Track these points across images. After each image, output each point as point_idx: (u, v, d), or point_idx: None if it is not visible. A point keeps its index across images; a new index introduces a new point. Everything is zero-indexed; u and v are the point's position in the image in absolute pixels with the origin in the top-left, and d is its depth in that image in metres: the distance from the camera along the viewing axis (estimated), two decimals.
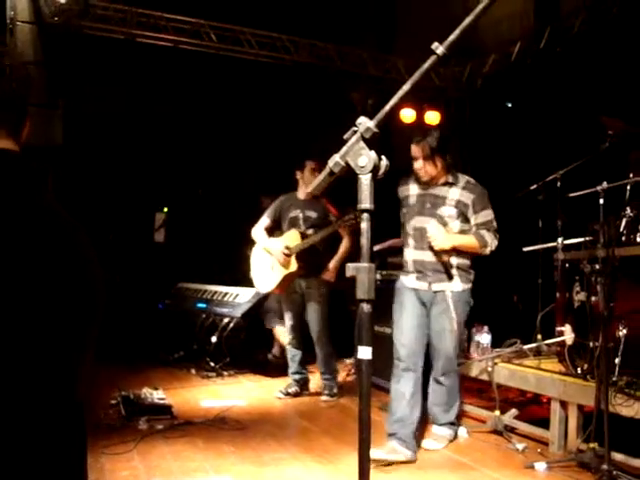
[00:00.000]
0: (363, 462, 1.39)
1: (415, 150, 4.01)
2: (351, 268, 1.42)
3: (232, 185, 8.03)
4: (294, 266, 5.45)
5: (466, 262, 4.10)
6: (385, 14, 7.79)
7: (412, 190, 4.18)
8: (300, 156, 5.67)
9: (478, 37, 6.84)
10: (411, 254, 4.15)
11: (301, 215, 5.57)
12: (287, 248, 5.45)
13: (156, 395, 5.03)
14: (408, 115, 8.04)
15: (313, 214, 5.55)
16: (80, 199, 6.98)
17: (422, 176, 4.05)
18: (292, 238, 5.51)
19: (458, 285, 4.06)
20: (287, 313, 5.70)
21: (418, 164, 4.02)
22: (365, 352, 1.40)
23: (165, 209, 8.20)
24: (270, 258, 5.58)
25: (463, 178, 4.12)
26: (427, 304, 4.11)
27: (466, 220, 4.04)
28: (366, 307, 1.40)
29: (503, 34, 6.99)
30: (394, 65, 7.91)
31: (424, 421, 4.30)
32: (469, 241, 4.01)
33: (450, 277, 4.03)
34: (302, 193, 5.62)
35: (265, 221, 5.70)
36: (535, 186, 5.35)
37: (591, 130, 4.80)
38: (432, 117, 8.06)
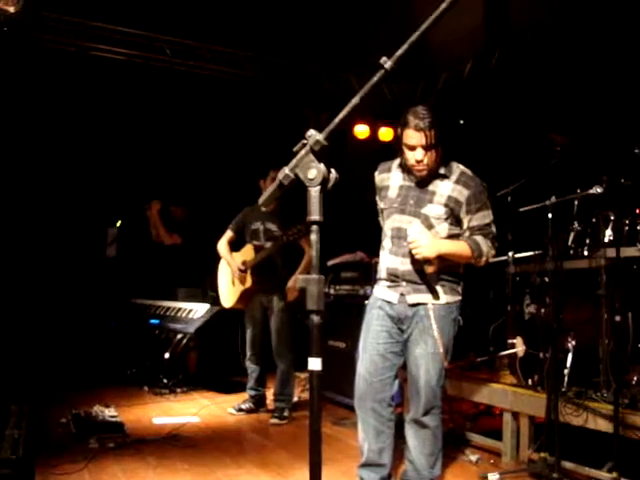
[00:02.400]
0: (314, 474, 1.39)
1: (413, 137, 3.10)
2: (300, 280, 1.43)
3: (185, 198, 7.96)
4: (249, 282, 5.43)
5: (453, 271, 3.28)
6: (341, 31, 7.85)
7: (394, 180, 3.33)
8: (255, 169, 5.66)
9: (430, 54, 6.95)
10: (385, 259, 3.31)
11: (262, 227, 5.52)
12: (243, 263, 5.44)
13: (108, 413, 4.95)
14: (362, 131, 8.14)
15: (273, 226, 5.47)
16: (30, 212, 6.86)
17: (420, 170, 3.18)
18: (248, 253, 5.49)
19: (441, 297, 3.21)
20: (247, 329, 5.63)
21: (417, 155, 3.12)
22: (315, 363, 1.40)
23: (118, 223, 8.09)
24: (232, 273, 5.58)
25: (457, 169, 3.25)
26: (402, 322, 3.25)
27: (457, 222, 3.21)
28: (316, 318, 1.41)
29: (455, 51, 7.12)
30: (348, 81, 7.99)
31: None
32: (460, 248, 3.16)
33: (430, 288, 3.19)
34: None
35: (228, 234, 5.64)
36: None
37: (540, 146, 4.91)
38: (385, 133, 8.19)
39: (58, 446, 4.32)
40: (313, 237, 1.43)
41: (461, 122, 7.87)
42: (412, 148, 3.13)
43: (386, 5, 6.19)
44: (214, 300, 6.93)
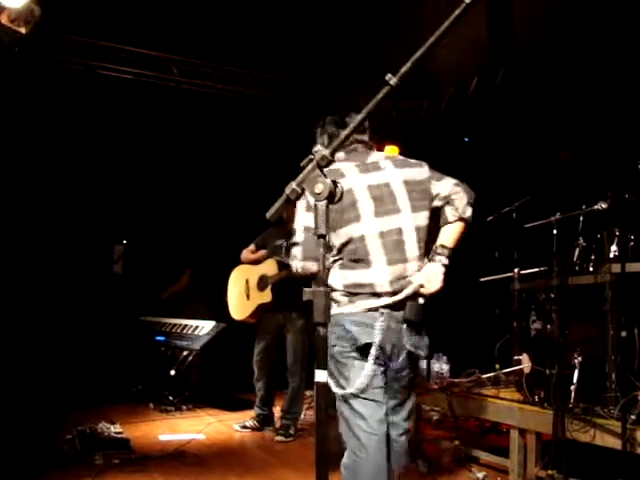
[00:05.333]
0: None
1: None
2: (307, 293, 1.44)
3: (192, 217, 8.00)
4: (268, 296, 5.38)
5: None
6: (345, 49, 7.95)
7: None
8: (264, 187, 5.69)
9: (435, 71, 7.01)
10: None
11: (285, 244, 5.44)
12: (264, 277, 5.43)
13: (113, 429, 4.94)
14: None
15: None
16: (38, 228, 6.89)
17: None
18: (270, 267, 5.45)
19: None
20: (258, 345, 5.58)
21: None
22: (321, 375, 1.42)
23: (124, 241, 8.12)
24: (247, 286, 5.57)
25: None
26: None
27: None
28: (322, 330, 1.42)
29: (459, 68, 7.17)
30: (352, 98, 8.03)
31: None
32: None
33: None
34: (290, 223, 5.52)
35: (251, 248, 5.69)
36: (491, 218, 5.45)
37: (545, 163, 4.94)
38: (390, 150, 8.21)
39: (63, 462, 4.32)
40: (320, 251, 1.45)
41: (466, 139, 7.92)
42: None
43: (391, 22, 6.25)
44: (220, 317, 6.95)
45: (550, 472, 3.70)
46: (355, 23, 6.48)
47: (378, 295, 2.60)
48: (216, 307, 6.63)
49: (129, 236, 8.12)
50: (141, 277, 7.89)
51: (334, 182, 1.48)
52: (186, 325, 6.92)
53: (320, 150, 1.50)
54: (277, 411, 5.73)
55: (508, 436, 4.29)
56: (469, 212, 2.79)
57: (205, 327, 6.65)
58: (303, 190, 1.47)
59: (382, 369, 2.63)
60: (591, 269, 4.13)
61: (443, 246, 2.73)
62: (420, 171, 2.82)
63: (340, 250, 2.71)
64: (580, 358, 3.96)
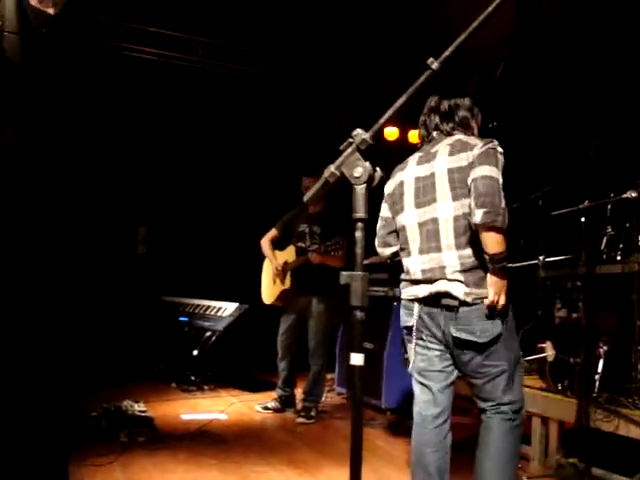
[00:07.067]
0: (355, 470, 1.41)
1: None
2: (345, 276, 1.45)
3: (217, 199, 8.03)
4: (288, 283, 5.50)
5: None
6: (370, 34, 7.88)
7: None
8: (287, 174, 5.71)
9: (461, 55, 6.93)
10: None
11: (307, 230, 5.55)
12: (285, 264, 5.51)
13: (137, 408, 5.00)
14: (391, 132, 8.15)
15: (318, 229, 5.50)
16: (63, 210, 6.94)
17: None
18: (290, 254, 5.55)
19: None
20: (282, 326, 5.62)
21: None
22: (357, 359, 1.42)
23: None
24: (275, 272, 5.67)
25: None
26: None
27: None
28: (359, 314, 1.43)
29: (486, 52, 7.09)
30: (374, 83, 7.95)
31: None
32: None
33: None
34: (312, 207, 5.52)
35: (273, 232, 5.72)
36: (517, 204, 5.40)
37: (573, 149, 4.88)
38: (414, 135, 8.19)
39: (89, 439, 4.38)
40: (358, 234, 1.45)
41: (491, 125, 7.84)
42: None
43: (415, 10, 6.20)
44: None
45: (572, 460, 3.71)
46: (380, 7, 6.42)
47: (416, 282, 2.81)
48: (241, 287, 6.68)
49: (153, 217, 8.16)
50: (164, 257, 7.94)
51: (374, 167, 1.49)
52: (209, 306, 6.97)
53: (360, 133, 1.50)
54: (298, 393, 5.76)
55: (530, 424, 4.29)
56: (478, 216, 2.48)
57: (228, 308, 6.69)
58: (342, 174, 1.47)
59: (437, 353, 2.83)
60: (619, 258, 4.10)
61: (485, 253, 2.58)
62: (467, 156, 2.65)
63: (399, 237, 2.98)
64: (605, 347, 3.94)
